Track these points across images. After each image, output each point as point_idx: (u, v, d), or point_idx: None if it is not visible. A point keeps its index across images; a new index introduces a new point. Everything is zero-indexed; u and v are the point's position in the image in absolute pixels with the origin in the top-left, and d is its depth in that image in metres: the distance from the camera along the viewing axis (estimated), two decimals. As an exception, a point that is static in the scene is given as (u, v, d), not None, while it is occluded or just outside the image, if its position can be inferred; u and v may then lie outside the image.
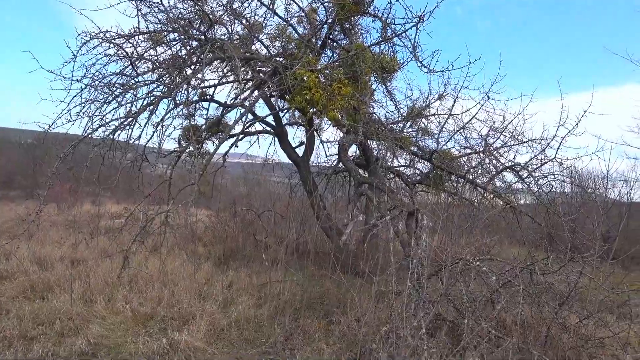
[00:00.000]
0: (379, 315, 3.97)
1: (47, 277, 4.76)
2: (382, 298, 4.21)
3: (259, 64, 4.95)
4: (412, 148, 6.20)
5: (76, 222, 8.30)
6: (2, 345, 3.25)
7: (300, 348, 3.78)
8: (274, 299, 4.82)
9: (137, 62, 4.35)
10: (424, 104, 6.18)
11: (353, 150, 6.84)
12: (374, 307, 4.01)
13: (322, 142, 7.14)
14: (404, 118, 6.24)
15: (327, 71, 4.48)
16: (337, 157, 7.22)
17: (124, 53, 4.24)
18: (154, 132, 4.65)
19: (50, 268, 5.22)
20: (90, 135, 4.04)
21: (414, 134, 6.50)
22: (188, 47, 4.76)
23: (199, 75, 4.19)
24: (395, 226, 4.36)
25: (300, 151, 6.59)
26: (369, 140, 5.99)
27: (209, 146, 6.43)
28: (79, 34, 3.98)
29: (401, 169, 6.74)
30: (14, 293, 4.39)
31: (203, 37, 4.71)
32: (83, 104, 4.11)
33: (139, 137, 4.37)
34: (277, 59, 5.10)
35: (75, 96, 4.09)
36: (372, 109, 6.06)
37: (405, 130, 6.39)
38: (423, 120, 6.40)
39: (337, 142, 6.27)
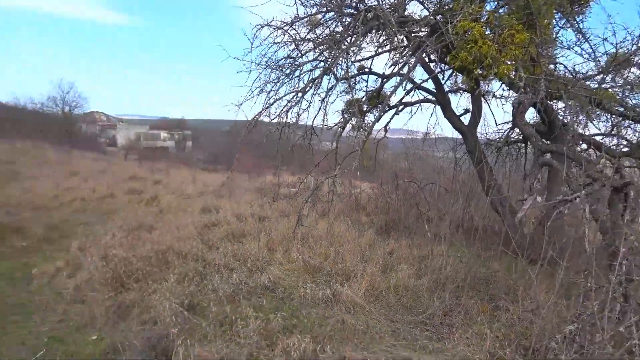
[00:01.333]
0: (559, 311, 3.39)
1: (242, 227, 6.08)
2: (567, 292, 3.58)
3: (414, 26, 4.72)
4: (616, 108, 4.79)
5: (262, 189, 10.14)
6: (213, 270, 4.38)
7: (459, 327, 3.63)
8: (434, 272, 4.74)
9: (300, 44, 4.87)
10: (634, 47, 4.58)
11: (530, 115, 5.82)
12: (554, 300, 3.44)
13: (490, 107, 6.35)
14: (603, 69, 4.81)
15: (496, 18, 3.86)
16: (509, 124, 6.31)
17: (289, 37, 4.80)
18: (320, 107, 5.14)
19: (244, 221, 6.63)
20: (267, 109, 4.81)
21: (618, 90, 4.93)
22: (344, 22, 4.96)
23: (355, 49, 4.33)
24: (591, 205, 3.56)
25: (465, 120, 6.06)
26: (552, 100, 4.95)
27: (370, 119, 6.63)
28: (253, 26, 4.74)
29: (598, 138, 5.33)
30: (221, 236, 5.80)
31: (356, 10, 4.82)
32: (261, 86, 4.91)
33: (307, 109, 4.90)
34: (434, 17, 4.74)
35: (255, 80, 4.92)
36: (555, 59, 4.94)
37: (604, 85, 4.91)
38: (632, 70, 4.78)
39: (510, 103, 5.37)
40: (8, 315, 3.68)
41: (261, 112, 4.85)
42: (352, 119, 5.97)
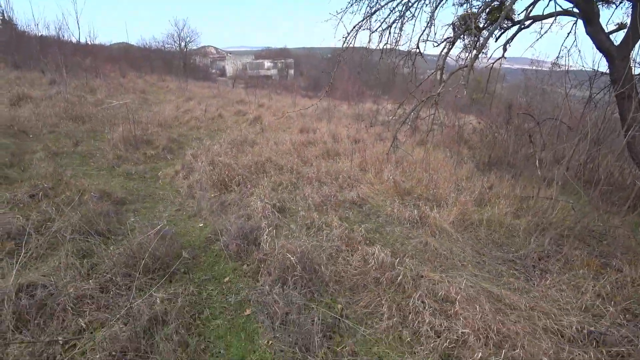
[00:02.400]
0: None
1: (337, 147, 6.25)
2: None
3: None
4: None
5: (360, 115, 10.09)
6: (306, 182, 4.66)
7: (554, 272, 3.38)
8: (537, 215, 4.34)
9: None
10: None
11: None
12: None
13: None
14: None
15: None
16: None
17: None
18: (427, 23, 4.61)
19: (339, 142, 6.80)
20: (368, 19, 4.48)
21: None
22: None
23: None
24: None
25: (618, 38, 4.88)
26: None
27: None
28: None
29: None
30: (316, 154, 6.06)
31: None
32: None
33: (412, 19, 4.46)
34: None
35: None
36: None
37: None
38: None
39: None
40: (141, 203, 4.56)
41: (361, 22, 4.57)
42: (464, 36, 5.29)
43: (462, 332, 2.33)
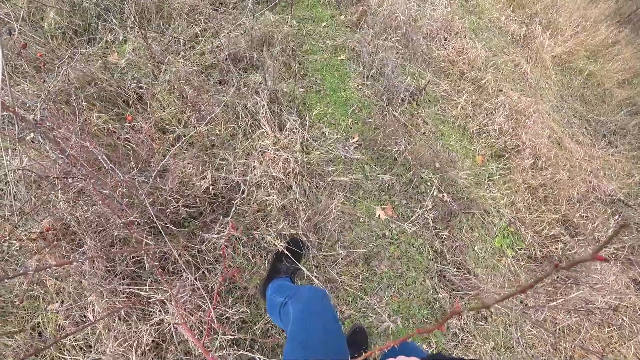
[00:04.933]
0: None
1: None
2: None
3: None
4: None
5: None
6: None
7: (620, 147, 3.45)
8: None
9: None
10: None
11: None
12: None
13: None
14: None
15: None
16: None
17: None
18: None
19: None
20: None
21: None
22: None
23: None
24: None
25: None
26: None
27: None
28: None
29: None
30: None
31: None
32: None
33: None
34: None
35: None
36: None
37: None
38: None
39: None
40: None
41: None
42: None
43: (523, 141, 2.60)
